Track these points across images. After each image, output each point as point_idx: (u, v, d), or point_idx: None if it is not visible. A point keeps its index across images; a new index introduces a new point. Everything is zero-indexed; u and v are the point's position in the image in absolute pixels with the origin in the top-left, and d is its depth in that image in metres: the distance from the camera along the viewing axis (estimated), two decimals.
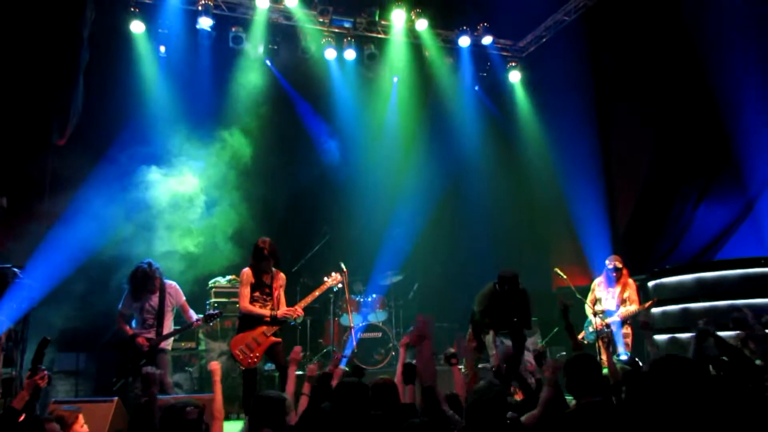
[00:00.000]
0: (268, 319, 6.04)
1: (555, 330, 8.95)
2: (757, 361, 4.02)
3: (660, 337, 7.79)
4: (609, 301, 7.64)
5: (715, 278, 7.79)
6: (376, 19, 10.41)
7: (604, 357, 6.52)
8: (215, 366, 4.30)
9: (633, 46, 9.69)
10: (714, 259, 8.53)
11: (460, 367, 4.69)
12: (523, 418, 3.34)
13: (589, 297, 7.80)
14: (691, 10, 8.38)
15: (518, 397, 4.92)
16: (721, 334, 4.45)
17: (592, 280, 8.39)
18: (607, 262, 7.76)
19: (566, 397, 3.85)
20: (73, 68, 8.21)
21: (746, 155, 7.95)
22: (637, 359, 6.77)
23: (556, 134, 10.48)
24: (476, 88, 11.63)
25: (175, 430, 3.34)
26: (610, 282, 7.68)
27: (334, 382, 4.31)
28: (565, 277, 7.98)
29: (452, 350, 4.54)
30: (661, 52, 9.16)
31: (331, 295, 8.72)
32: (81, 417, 3.87)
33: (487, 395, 3.16)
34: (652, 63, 9.28)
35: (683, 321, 7.68)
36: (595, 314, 7.57)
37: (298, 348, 4.89)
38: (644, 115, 9.60)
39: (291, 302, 6.47)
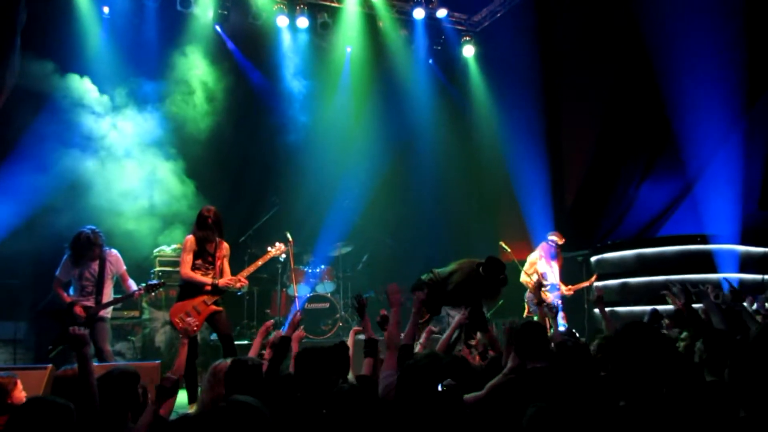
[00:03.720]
0: (209, 287, 5.95)
1: (500, 302, 9.14)
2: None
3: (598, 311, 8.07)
4: (551, 275, 7.85)
5: (654, 254, 8.12)
6: None
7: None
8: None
9: (583, 25, 9.85)
10: (654, 235, 8.86)
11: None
12: (466, 397, 3.37)
13: (528, 269, 7.90)
14: None
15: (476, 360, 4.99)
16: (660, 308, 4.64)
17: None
18: (554, 237, 7.93)
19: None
20: (9, 30, 7.76)
21: (686, 138, 8.23)
22: (573, 330, 7.02)
23: (506, 109, 10.58)
24: (430, 61, 11.58)
25: (114, 396, 3.29)
26: (553, 257, 7.88)
27: (295, 346, 4.30)
28: (509, 250, 8.14)
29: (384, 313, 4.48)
30: (609, 32, 9.35)
31: (279, 266, 8.66)
32: (19, 383, 3.75)
33: (423, 362, 3.18)
34: (601, 43, 9.45)
35: (622, 295, 7.98)
36: (540, 286, 7.72)
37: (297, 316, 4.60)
38: (592, 94, 9.81)
39: (238, 272, 6.40)
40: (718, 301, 4.38)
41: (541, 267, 7.88)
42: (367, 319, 4.36)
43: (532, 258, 8.03)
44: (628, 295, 8.08)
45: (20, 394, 3.69)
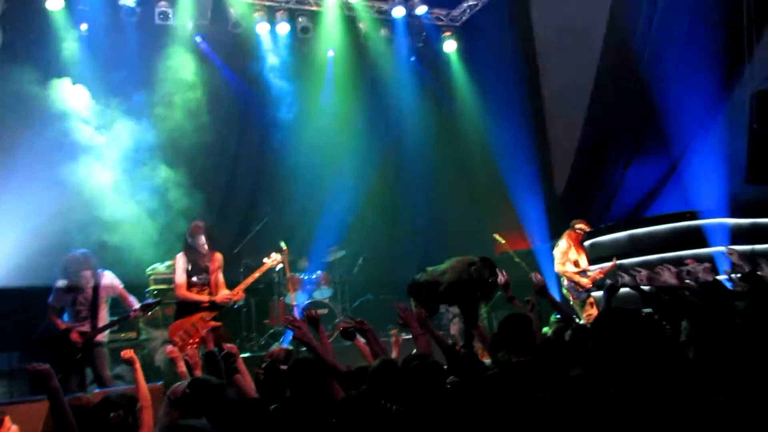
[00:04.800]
0: (207, 304, 5.98)
1: (498, 294, 9.16)
2: None
3: (598, 294, 8.10)
4: (583, 262, 8.03)
5: (645, 234, 8.13)
6: None
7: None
8: (128, 353, 4.25)
9: (561, 11, 9.83)
10: (644, 215, 8.88)
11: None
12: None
13: (567, 258, 7.98)
14: None
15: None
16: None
17: (530, 245, 8.57)
18: (581, 225, 8.03)
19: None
20: None
21: (670, 117, 8.24)
22: (574, 316, 7.05)
23: (491, 101, 10.58)
24: (412, 59, 11.58)
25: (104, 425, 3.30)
26: (581, 244, 7.99)
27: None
28: (504, 242, 8.17)
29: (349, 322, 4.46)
30: (588, 16, 9.33)
31: (275, 275, 8.68)
32: (7, 419, 3.75)
33: (424, 362, 3.20)
34: (581, 27, 9.44)
35: (613, 277, 7.98)
36: (581, 272, 7.88)
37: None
38: (575, 79, 9.81)
39: (234, 285, 6.42)
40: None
41: (573, 255, 8.00)
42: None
43: (562, 248, 8.08)
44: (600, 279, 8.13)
45: (9, 429, 3.68)
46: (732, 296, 4.03)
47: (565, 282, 8.02)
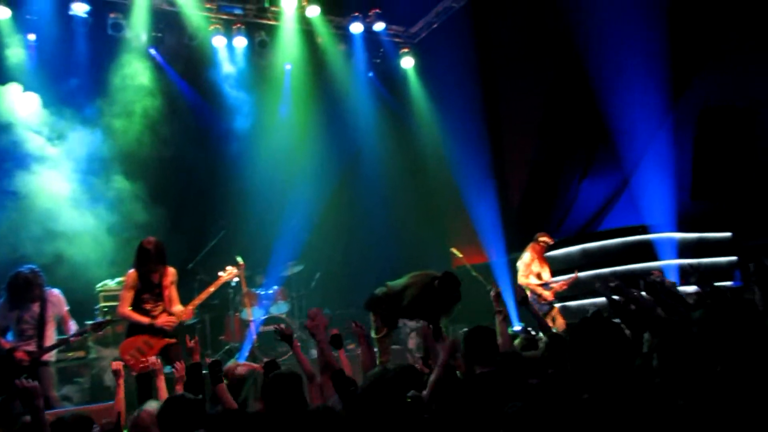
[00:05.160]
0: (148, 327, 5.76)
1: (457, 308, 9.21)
2: None
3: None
4: (546, 275, 8.09)
5: (598, 248, 8.36)
6: (266, 5, 10.18)
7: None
8: (117, 365, 4.12)
9: (517, 31, 10.11)
10: (597, 230, 9.12)
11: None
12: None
13: (530, 271, 8.02)
14: None
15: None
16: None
17: (487, 258, 8.65)
18: (545, 238, 8.09)
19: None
20: None
21: (621, 134, 8.53)
22: (530, 329, 7.13)
23: (448, 117, 10.73)
24: (370, 74, 11.65)
25: None
26: (543, 258, 8.07)
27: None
28: (461, 256, 8.23)
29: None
30: (543, 36, 9.61)
31: (230, 290, 8.52)
32: None
33: (387, 375, 3.19)
34: (536, 47, 9.71)
35: (571, 290, 8.16)
36: (544, 285, 7.93)
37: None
38: (530, 97, 10.07)
39: (188, 301, 6.25)
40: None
41: (536, 268, 8.06)
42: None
43: (525, 260, 8.10)
44: (576, 289, 8.28)
45: None
46: (689, 307, 4.18)
47: (528, 294, 8.08)
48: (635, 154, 8.50)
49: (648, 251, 7.72)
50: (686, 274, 5.44)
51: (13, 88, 8.29)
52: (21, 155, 8.05)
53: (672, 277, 7.04)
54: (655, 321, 3.84)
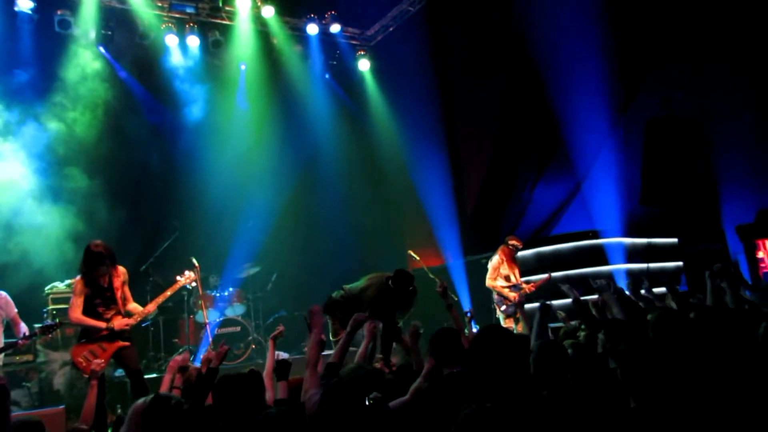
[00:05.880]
0: (106, 332, 5.59)
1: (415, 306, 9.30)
2: None
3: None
4: (514, 277, 8.13)
5: (551, 252, 8.59)
6: (220, 4, 10.02)
7: (519, 327, 7.11)
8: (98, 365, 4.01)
9: (472, 38, 10.28)
10: (550, 234, 9.38)
11: None
12: (391, 404, 3.43)
13: (498, 274, 8.04)
14: (523, 6, 9.04)
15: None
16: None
17: (444, 261, 8.75)
18: (514, 242, 8.14)
19: None
20: None
21: (573, 141, 8.81)
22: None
23: (405, 120, 10.84)
24: (326, 75, 11.63)
25: None
26: (513, 260, 8.15)
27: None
28: (418, 258, 8.31)
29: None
30: (498, 43, 9.82)
31: (185, 293, 8.34)
32: None
33: (351, 375, 3.22)
34: (491, 53, 9.91)
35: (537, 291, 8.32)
36: (513, 287, 7.97)
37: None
38: (485, 102, 10.26)
39: (141, 303, 6.10)
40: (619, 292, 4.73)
41: (504, 270, 8.11)
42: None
43: (494, 263, 8.13)
44: (538, 292, 8.46)
45: None
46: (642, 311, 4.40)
47: (495, 296, 8.17)
48: (587, 161, 8.80)
49: (599, 255, 8.00)
50: (637, 279, 5.65)
51: None
52: None
53: (621, 282, 7.32)
54: (611, 324, 4.00)
